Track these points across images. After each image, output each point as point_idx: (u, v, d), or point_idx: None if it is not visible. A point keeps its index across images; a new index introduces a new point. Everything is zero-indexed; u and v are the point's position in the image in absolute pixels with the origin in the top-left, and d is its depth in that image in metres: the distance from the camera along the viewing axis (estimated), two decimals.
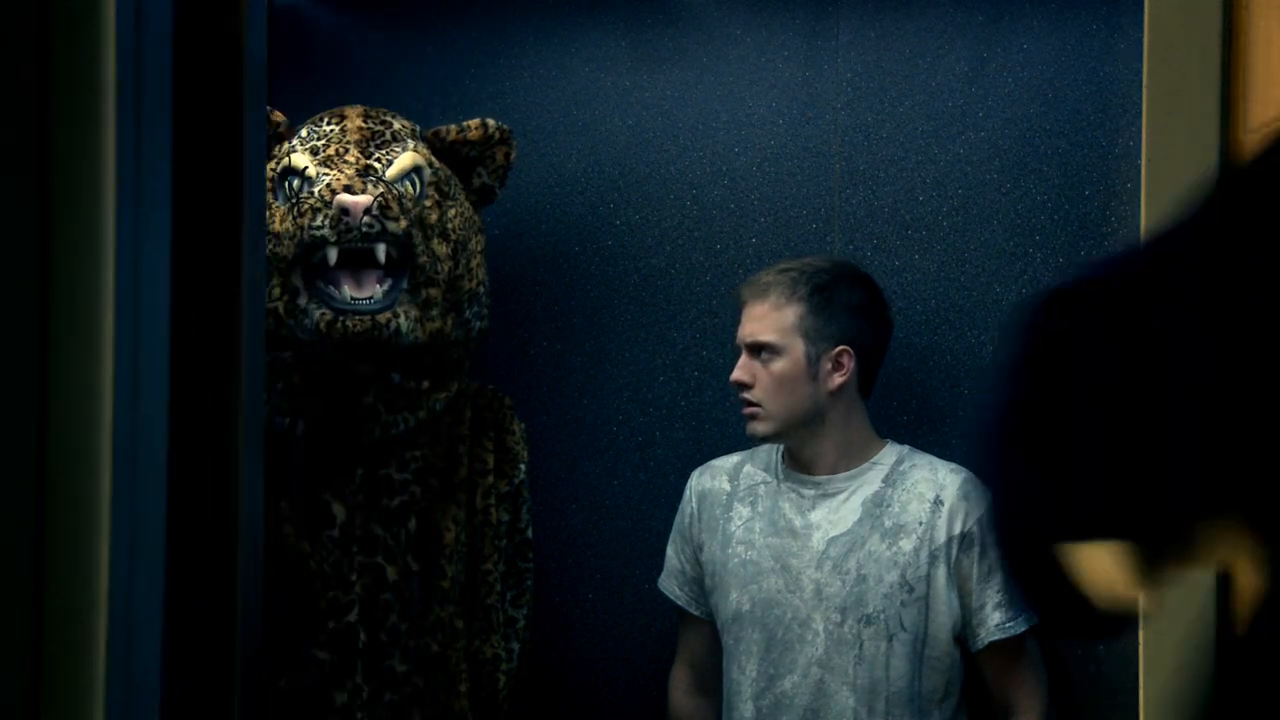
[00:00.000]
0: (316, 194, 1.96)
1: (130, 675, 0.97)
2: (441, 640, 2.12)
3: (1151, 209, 1.00)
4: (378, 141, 2.08)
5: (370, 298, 1.97)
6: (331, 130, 2.08)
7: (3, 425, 0.95)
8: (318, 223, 1.94)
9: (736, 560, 2.15)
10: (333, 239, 1.94)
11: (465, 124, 2.20)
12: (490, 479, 2.20)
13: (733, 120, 2.42)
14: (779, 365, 2.10)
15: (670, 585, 2.28)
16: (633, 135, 2.46)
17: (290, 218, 1.98)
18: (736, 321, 2.17)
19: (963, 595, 2.06)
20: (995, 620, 2.05)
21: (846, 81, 2.37)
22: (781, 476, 2.18)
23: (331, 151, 2.03)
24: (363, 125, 2.09)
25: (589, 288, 2.48)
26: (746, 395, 2.11)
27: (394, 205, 1.97)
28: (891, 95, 2.35)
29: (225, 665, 1.09)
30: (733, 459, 2.26)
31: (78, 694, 0.94)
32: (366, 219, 1.94)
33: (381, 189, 1.98)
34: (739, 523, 2.17)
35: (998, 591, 2.05)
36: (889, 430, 2.22)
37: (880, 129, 2.35)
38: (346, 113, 2.13)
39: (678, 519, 2.28)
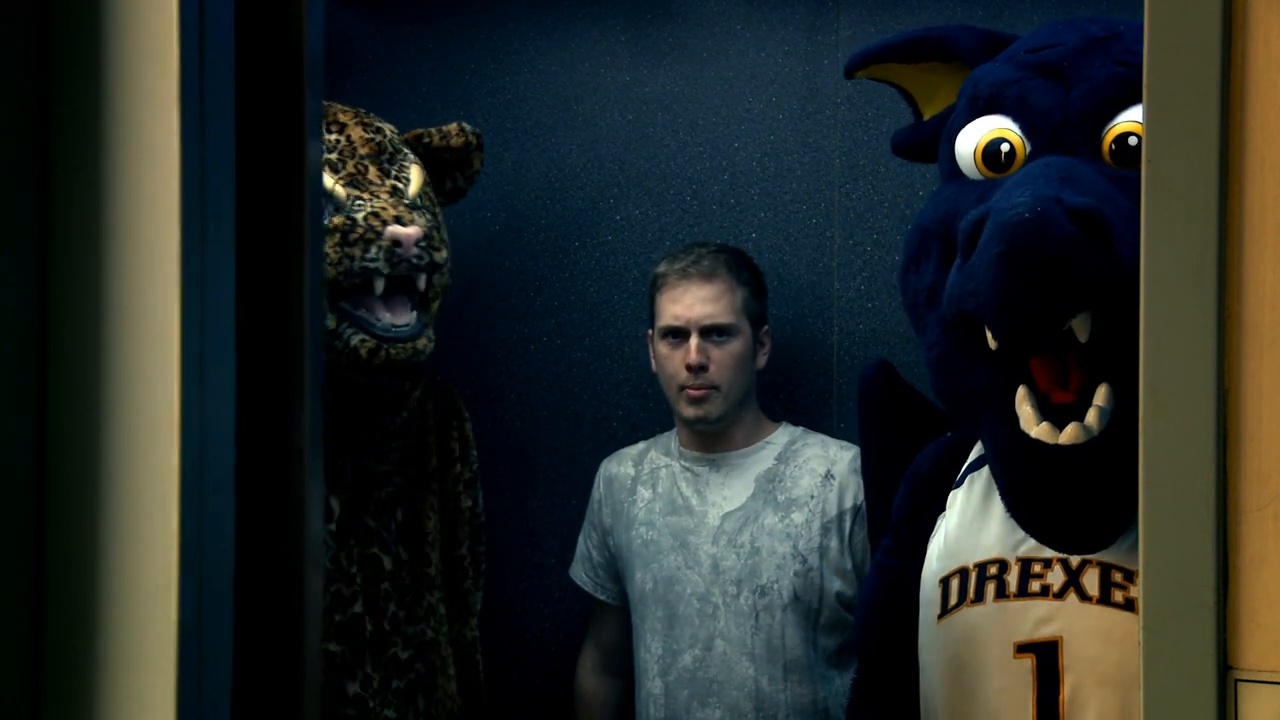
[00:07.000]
0: (363, 222, 1.93)
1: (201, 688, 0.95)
2: (433, 626, 2.15)
3: (1152, 209, 1.00)
4: (385, 155, 2.06)
5: (407, 324, 1.97)
6: (338, 141, 2.04)
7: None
8: (371, 254, 1.92)
9: (639, 541, 2.19)
10: (386, 270, 1.93)
11: (444, 129, 2.18)
12: (458, 467, 2.24)
13: (733, 115, 2.42)
14: (734, 347, 2.14)
15: (578, 572, 2.34)
16: (633, 130, 2.46)
17: (332, 244, 1.93)
18: (650, 304, 2.19)
19: (860, 567, 2.10)
20: None
21: None
22: (678, 456, 2.22)
23: (351, 169, 2.00)
24: (364, 135, 2.06)
25: (589, 283, 2.48)
26: (705, 378, 2.12)
27: (435, 235, 2.00)
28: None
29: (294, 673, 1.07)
30: (639, 446, 2.32)
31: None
32: (416, 251, 1.95)
33: (426, 219, 1.99)
34: (641, 505, 2.22)
35: None
36: None
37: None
38: (339, 118, 2.08)
39: (588, 507, 2.32)
